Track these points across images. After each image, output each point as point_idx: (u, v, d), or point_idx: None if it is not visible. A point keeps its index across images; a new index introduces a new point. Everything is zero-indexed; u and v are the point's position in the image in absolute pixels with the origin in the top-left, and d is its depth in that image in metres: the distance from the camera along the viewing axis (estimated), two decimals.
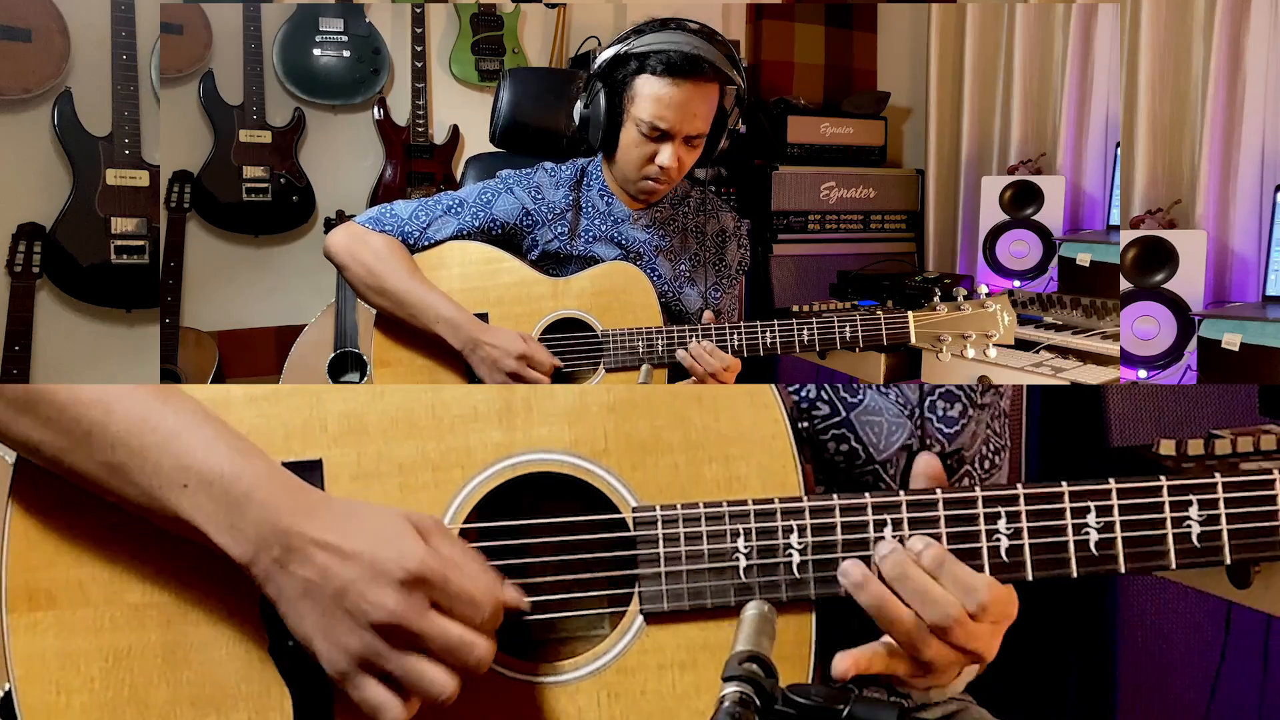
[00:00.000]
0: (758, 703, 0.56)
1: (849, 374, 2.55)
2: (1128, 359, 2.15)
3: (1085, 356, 2.11)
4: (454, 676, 0.63)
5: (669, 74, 1.39)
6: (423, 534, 0.66)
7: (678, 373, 1.56)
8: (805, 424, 0.92)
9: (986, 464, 0.98)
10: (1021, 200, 2.70)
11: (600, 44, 3.02)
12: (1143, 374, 2.15)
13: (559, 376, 1.47)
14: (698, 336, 1.43)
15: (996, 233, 2.73)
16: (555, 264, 1.54)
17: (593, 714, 0.70)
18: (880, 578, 0.69)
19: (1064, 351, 2.14)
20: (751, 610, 0.65)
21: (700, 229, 1.63)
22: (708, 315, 1.46)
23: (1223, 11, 2.23)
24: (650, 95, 1.41)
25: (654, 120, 1.41)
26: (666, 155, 1.43)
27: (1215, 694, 1.71)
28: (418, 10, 2.99)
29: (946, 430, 0.93)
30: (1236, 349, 1.99)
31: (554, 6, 3.24)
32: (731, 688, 0.56)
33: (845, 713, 0.57)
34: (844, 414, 0.91)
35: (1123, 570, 0.69)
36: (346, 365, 2.82)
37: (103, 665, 0.69)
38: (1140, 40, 2.37)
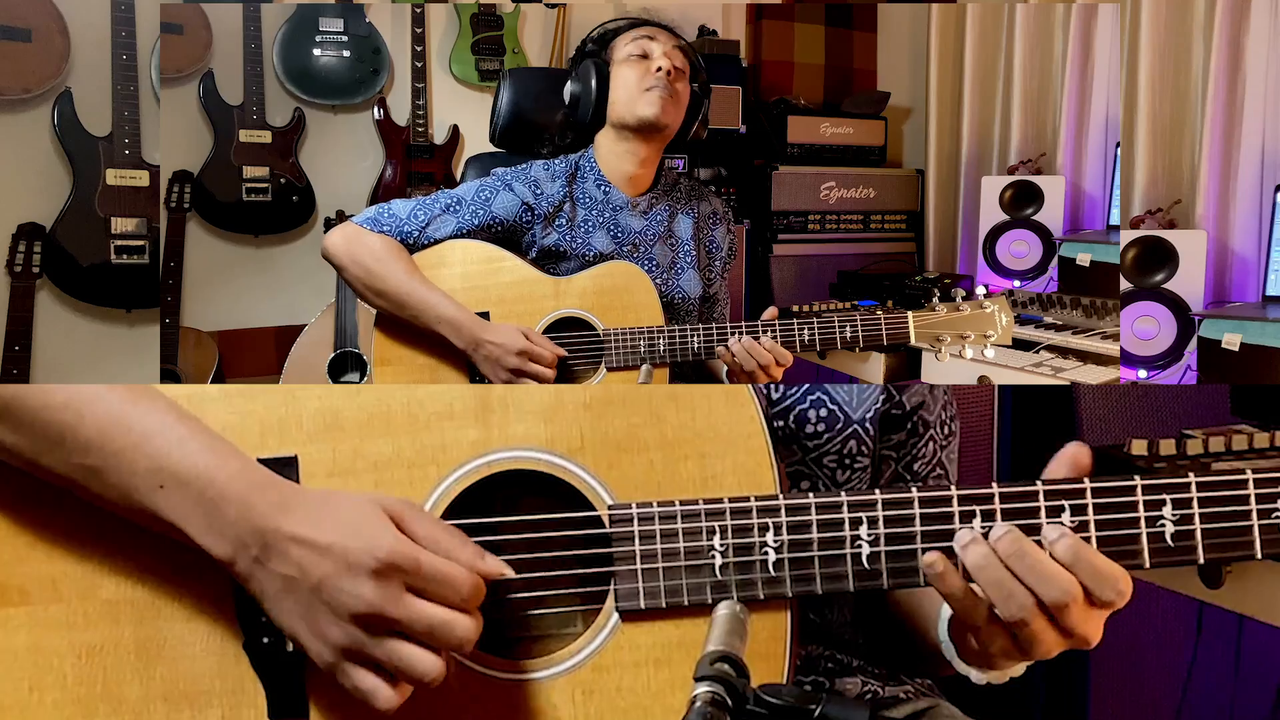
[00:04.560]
0: (729, 703, 0.56)
1: (849, 375, 2.55)
2: (1128, 359, 2.15)
3: (1085, 356, 2.11)
4: (439, 657, 0.64)
5: (638, 25, 1.57)
6: (395, 518, 0.66)
7: (677, 372, 1.56)
8: (781, 423, 0.92)
9: (945, 429, 1.01)
10: (1021, 200, 2.70)
11: None
12: (1143, 374, 2.16)
13: (563, 369, 1.47)
14: (699, 335, 1.43)
15: (996, 233, 2.73)
16: (554, 260, 1.54)
17: (567, 711, 0.70)
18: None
19: (1064, 351, 2.15)
20: (723, 610, 0.64)
21: (694, 209, 1.65)
22: (770, 311, 1.46)
23: (1223, 11, 2.23)
24: (628, 37, 1.55)
25: (637, 39, 1.54)
26: (660, 57, 1.52)
27: (1187, 693, 1.71)
28: (418, 10, 2.99)
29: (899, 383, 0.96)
30: (1236, 349, 1.99)
31: (554, 6, 3.24)
32: (703, 688, 0.56)
33: (817, 713, 0.57)
34: (814, 384, 0.94)
35: None
36: (346, 365, 2.82)
37: (75, 661, 0.68)
38: (1140, 40, 2.37)
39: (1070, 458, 0.71)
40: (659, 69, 1.50)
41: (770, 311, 1.46)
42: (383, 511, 0.66)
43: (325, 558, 0.63)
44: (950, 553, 0.69)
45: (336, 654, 0.64)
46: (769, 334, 1.42)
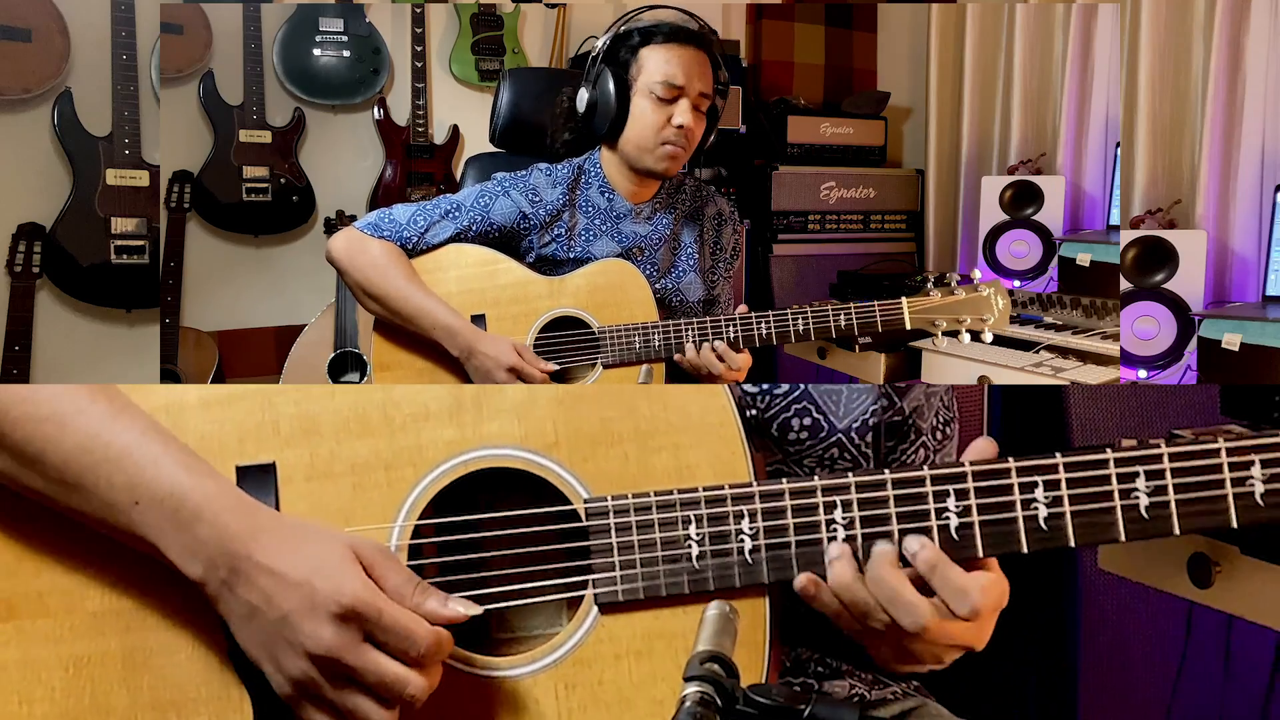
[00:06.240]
0: (719, 702, 0.56)
1: (849, 374, 2.55)
2: (1128, 359, 2.14)
3: (1085, 356, 2.10)
4: (390, 711, 0.64)
5: (673, 40, 1.48)
6: (366, 564, 0.66)
7: (677, 371, 1.56)
8: (754, 412, 0.92)
9: (939, 435, 1.00)
10: (1021, 200, 2.70)
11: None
12: (1143, 374, 2.15)
13: (560, 373, 1.47)
14: (693, 331, 1.43)
15: (996, 233, 2.73)
16: (552, 268, 1.54)
17: (550, 706, 0.70)
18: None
19: (1064, 351, 2.14)
20: (713, 610, 0.65)
21: (699, 211, 1.65)
22: (742, 308, 1.46)
23: (1223, 11, 2.22)
24: (659, 59, 1.48)
25: (667, 79, 1.47)
26: (683, 112, 1.47)
27: (1177, 694, 1.71)
28: (418, 10, 2.99)
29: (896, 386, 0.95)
30: (1236, 349, 1.99)
31: (554, 6, 3.25)
32: (693, 688, 0.56)
33: (806, 713, 0.57)
34: (803, 389, 0.93)
35: (1072, 544, 0.69)
36: (346, 365, 2.82)
37: (63, 674, 0.69)
38: (1140, 40, 2.37)
39: (978, 450, 0.71)
40: (680, 126, 1.47)
41: (742, 309, 1.46)
42: (353, 554, 0.66)
43: (292, 593, 0.64)
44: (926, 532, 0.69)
45: (294, 688, 0.64)
46: (732, 328, 1.42)
